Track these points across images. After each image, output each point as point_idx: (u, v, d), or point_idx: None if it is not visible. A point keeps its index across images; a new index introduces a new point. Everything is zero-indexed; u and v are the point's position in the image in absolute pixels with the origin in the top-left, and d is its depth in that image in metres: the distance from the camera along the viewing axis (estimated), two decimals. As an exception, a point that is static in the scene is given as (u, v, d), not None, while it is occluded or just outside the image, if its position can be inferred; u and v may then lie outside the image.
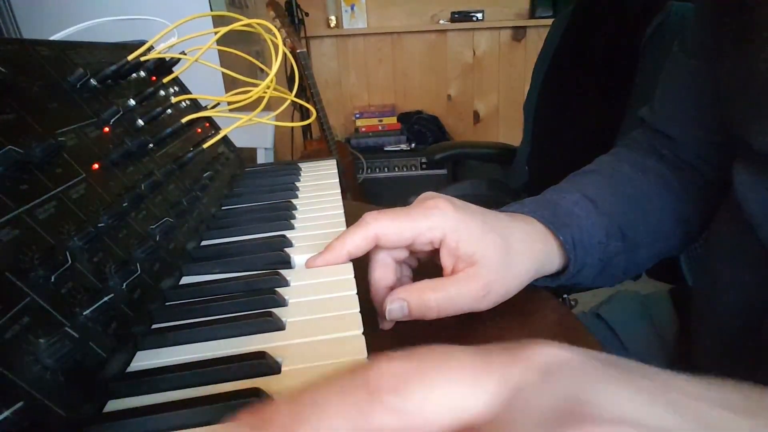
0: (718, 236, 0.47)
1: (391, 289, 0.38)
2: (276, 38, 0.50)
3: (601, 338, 0.59)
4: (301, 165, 0.71)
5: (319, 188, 0.59)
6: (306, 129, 2.71)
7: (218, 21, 1.47)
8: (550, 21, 1.54)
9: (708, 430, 0.15)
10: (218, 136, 0.55)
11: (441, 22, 2.81)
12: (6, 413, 0.18)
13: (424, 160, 2.62)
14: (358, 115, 2.81)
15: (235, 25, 0.51)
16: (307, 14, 2.57)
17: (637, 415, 0.15)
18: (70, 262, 0.27)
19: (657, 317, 0.60)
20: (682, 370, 0.55)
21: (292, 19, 2.44)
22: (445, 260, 0.39)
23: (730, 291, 0.44)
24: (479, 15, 2.75)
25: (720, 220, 0.48)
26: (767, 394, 0.17)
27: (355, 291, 0.34)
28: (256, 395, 0.23)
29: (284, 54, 0.52)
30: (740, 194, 0.41)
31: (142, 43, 0.62)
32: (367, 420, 0.16)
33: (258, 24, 0.52)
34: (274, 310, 0.32)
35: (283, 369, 0.27)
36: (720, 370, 0.47)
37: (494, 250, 0.38)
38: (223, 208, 0.55)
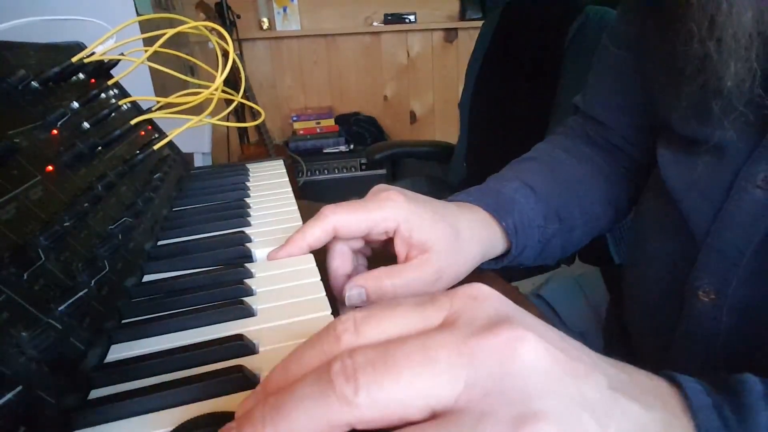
0: (645, 213, 0.53)
1: (349, 277, 0.41)
2: (227, 44, 0.51)
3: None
4: (248, 166, 0.71)
5: (270, 187, 0.60)
6: (242, 133, 2.68)
7: (145, 24, 1.42)
8: (479, 23, 1.61)
9: (595, 365, 0.21)
10: (168, 138, 0.55)
11: (374, 24, 2.85)
12: (7, 396, 0.19)
13: (363, 161, 2.64)
14: (295, 118, 2.80)
15: (183, 28, 0.51)
16: (238, 16, 2.54)
17: (546, 334, 0.20)
18: (40, 260, 0.27)
19: (591, 294, 0.65)
20: (613, 338, 0.61)
21: (224, 21, 2.40)
22: (399, 248, 0.41)
23: (656, 260, 0.49)
24: (412, 17, 2.81)
25: (646, 198, 0.53)
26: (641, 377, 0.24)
27: (319, 277, 0.36)
28: (240, 372, 0.25)
29: (231, 58, 0.53)
30: (663, 172, 0.46)
31: (75, 44, 0.61)
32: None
33: (205, 27, 0.52)
34: (244, 299, 0.33)
35: (260, 350, 0.28)
36: (648, 332, 0.52)
37: (445, 238, 0.41)
38: (174, 209, 0.55)
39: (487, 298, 0.22)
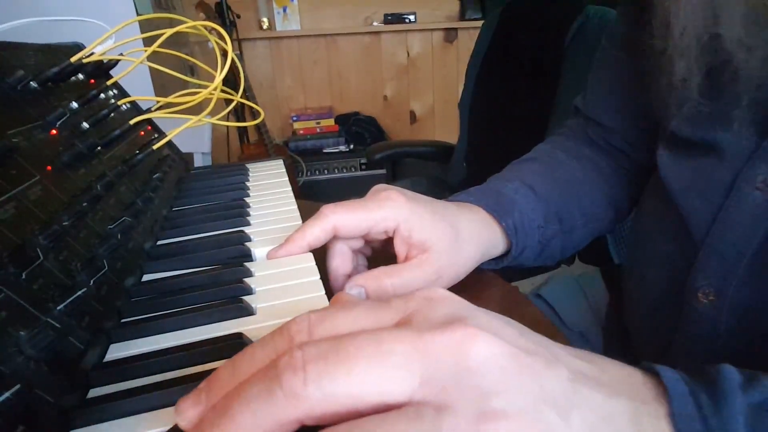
0: (645, 213, 0.53)
1: (349, 276, 0.40)
2: (226, 43, 0.51)
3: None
4: (248, 166, 0.71)
5: (269, 186, 0.60)
6: (242, 133, 2.68)
7: (145, 24, 1.42)
8: (479, 23, 1.61)
9: (556, 358, 0.21)
10: (167, 138, 0.55)
11: (374, 24, 2.85)
12: (6, 395, 0.19)
13: (363, 161, 2.64)
14: (295, 118, 2.80)
15: (182, 27, 0.51)
16: (238, 16, 2.54)
17: (500, 332, 0.21)
18: (39, 259, 0.27)
19: (591, 294, 0.65)
20: (613, 338, 0.61)
21: (224, 21, 2.40)
22: (399, 248, 0.41)
23: (656, 261, 0.49)
24: (411, 17, 2.81)
25: (646, 199, 0.53)
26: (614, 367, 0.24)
27: (319, 276, 0.36)
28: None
29: (230, 58, 0.53)
30: (663, 173, 0.46)
31: (74, 44, 0.61)
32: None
33: (205, 27, 0.52)
34: (243, 298, 0.33)
35: (259, 349, 0.28)
36: (648, 332, 0.52)
37: (444, 237, 0.41)
38: (173, 209, 0.55)
39: (443, 299, 0.22)
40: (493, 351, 0.19)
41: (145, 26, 1.41)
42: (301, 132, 2.78)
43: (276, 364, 0.19)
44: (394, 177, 2.67)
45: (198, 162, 1.35)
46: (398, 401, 0.19)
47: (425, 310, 0.21)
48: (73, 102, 0.49)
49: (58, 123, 0.43)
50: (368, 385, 0.18)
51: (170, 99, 0.59)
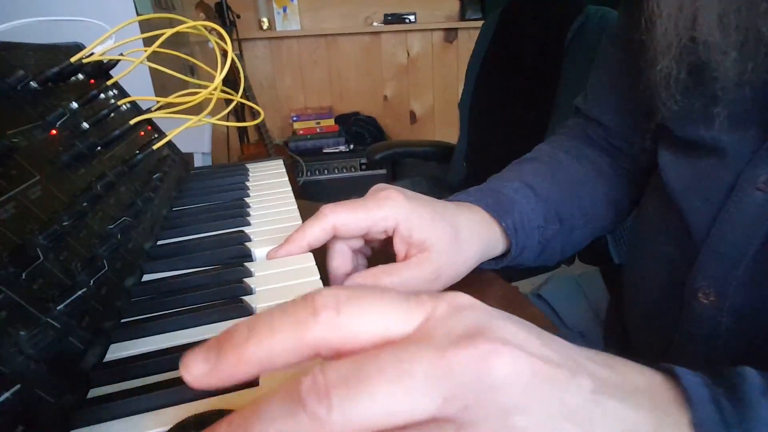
0: (646, 214, 0.53)
1: (349, 276, 0.41)
2: (226, 43, 0.51)
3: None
4: (248, 166, 0.71)
5: (269, 186, 0.61)
6: (242, 133, 2.68)
7: (145, 24, 1.42)
8: (479, 23, 1.61)
9: (580, 368, 0.21)
10: (167, 138, 0.55)
11: (374, 24, 2.85)
12: (6, 395, 0.19)
13: (363, 161, 2.64)
14: (295, 118, 2.79)
15: (182, 27, 0.51)
16: (238, 16, 2.54)
17: (525, 343, 0.20)
18: (38, 259, 0.27)
19: (591, 293, 0.65)
20: (613, 338, 0.61)
21: (224, 21, 2.40)
22: (399, 247, 0.41)
23: (656, 262, 0.49)
24: (412, 17, 2.81)
25: (646, 199, 0.53)
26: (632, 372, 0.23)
27: (319, 276, 0.36)
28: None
29: (229, 58, 0.53)
30: (664, 173, 0.46)
31: (74, 44, 0.61)
32: (306, 330, 0.20)
33: (205, 27, 0.52)
34: (243, 298, 0.33)
35: (259, 349, 0.28)
36: (648, 332, 0.52)
37: (444, 237, 0.41)
38: (173, 209, 0.55)
39: (467, 308, 0.22)
40: (515, 368, 0.19)
41: (145, 26, 1.41)
42: (301, 132, 2.78)
43: (298, 387, 0.18)
44: (394, 177, 2.66)
45: (198, 162, 1.35)
46: (421, 419, 0.18)
47: (449, 318, 0.21)
48: (73, 102, 0.49)
49: (58, 123, 0.43)
50: (391, 407, 0.18)
51: (170, 99, 0.59)
